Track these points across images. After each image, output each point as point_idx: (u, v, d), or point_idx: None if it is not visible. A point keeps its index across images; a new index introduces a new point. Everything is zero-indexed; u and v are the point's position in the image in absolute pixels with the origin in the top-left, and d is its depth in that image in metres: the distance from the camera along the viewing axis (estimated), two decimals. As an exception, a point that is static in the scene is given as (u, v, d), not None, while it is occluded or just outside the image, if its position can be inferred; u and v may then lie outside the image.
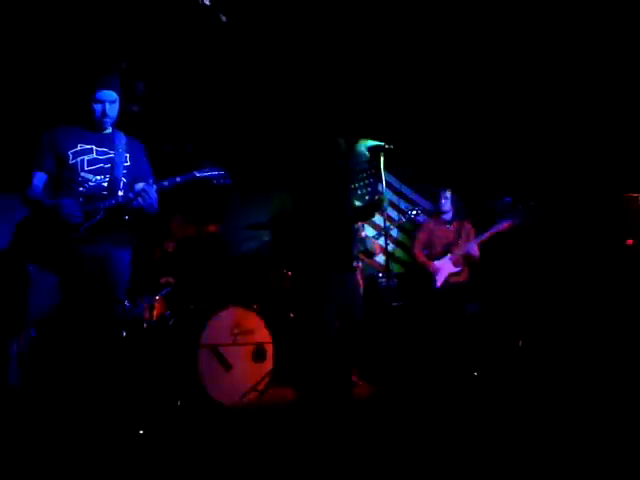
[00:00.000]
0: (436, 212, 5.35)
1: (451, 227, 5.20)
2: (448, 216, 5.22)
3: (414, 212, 5.18)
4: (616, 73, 5.20)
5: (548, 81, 5.46)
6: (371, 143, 3.67)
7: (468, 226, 5.23)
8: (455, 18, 5.02)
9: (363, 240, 4.88)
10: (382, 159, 3.70)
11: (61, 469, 2.54)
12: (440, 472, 2.49)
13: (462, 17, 4.99)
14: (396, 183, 6.44)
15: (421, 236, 5.27)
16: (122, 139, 3.17)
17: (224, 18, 3.45)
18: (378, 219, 5.54)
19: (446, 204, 5.18)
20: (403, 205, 6.49)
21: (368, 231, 5.37)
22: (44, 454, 2.67)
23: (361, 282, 4.67)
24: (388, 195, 6.02)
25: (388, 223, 5.16)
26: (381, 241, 5.22)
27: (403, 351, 4.93)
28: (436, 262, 5.08)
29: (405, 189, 6.52)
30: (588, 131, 5.50)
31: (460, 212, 5.26)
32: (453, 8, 4.89)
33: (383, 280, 5.66)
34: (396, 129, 5.26)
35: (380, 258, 5.88)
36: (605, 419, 3.19)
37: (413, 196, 6.58)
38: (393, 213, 6.43)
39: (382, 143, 3.71)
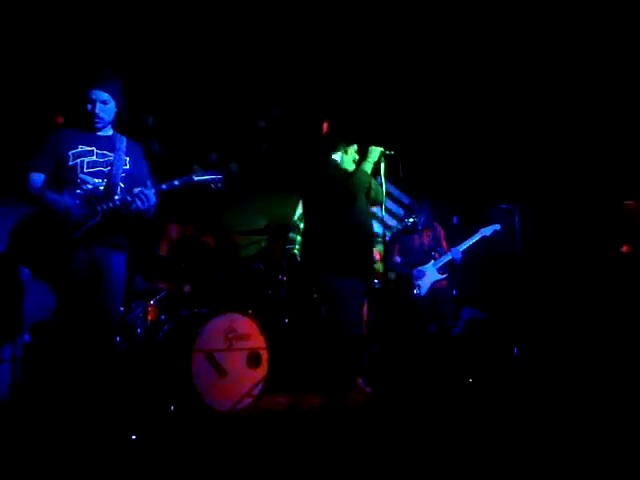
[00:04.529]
0: (406, 220, 5.29)
1: (423, 234, 5.16)
2: (419, 224, 5.17)
3: (411, 220, 5.15)
4: (613, 79, 5.21)
5: (545, 87, 5.48)
6: (376, 150, 3.67)
7: (439, 229, 5.19)
8: (452, 27, 5.05)
9: None
10: (382, 165, 3.69)
11: (54, 474, 2.51)
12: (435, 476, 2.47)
13: (459, 26, 5.03)
14: (395, 191, 6.42)
15: (396, 246, 5.22)
16: (123, 142, 3.17)
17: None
18: (377, 227, 5.52)
19: (421, 209, 5.16)
20: (402, 214, 6.47)
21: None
22: (37, 459, 2.65)
23: None
24: (387, 204, 6.00)
25: (387, 231, 5.15)
26: (379, 248, 5.19)
27: (396, 357, 4.89)
28: (419, 268, 5.02)
29: (404, 198, 6.50)
30: (585, 138, 5.51)
31: (429, 218, 5.21)
32: (447, 17, 4.93)
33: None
34: (395, 136, 5.27)
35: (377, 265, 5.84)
36: (601, 426, 3.17)
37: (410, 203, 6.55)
38: (393, 222, 6.43)
39: (382, 149, 3.70)
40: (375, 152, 3.66)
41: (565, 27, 4.96)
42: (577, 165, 5.54)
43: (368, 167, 3.65)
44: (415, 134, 5.95)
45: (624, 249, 4.84)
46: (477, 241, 4.97)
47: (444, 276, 4.99)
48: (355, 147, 3.78)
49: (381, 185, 3.70)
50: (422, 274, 4.98)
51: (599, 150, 5.45)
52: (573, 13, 4.80)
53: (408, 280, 5.02)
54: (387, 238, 5.40)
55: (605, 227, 5.21)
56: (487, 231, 4.95)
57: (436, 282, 4.98)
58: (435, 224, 5.21)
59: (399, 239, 5.27)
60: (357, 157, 3.77)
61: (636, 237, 4.88)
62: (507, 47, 5.26)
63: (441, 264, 4.99)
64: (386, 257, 5.16)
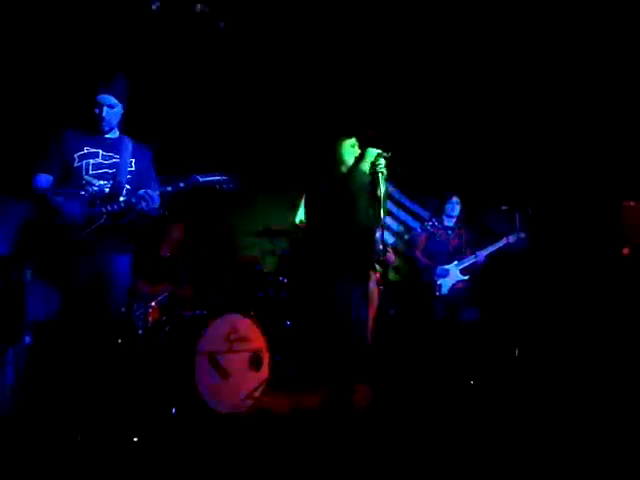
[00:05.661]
0: (437, 216, 5.31)
1: (452, 233, 5.18)
2: (451, 222, 5.20)
3: (429, 224, 5.14)
4: (614, 80, 5.22)
5: (547, 87, 5.48)
6: (373, 151, 3.67)
7: (468, 234, 5.21)
8: (455, 25, 5.05)
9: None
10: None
11: (56, 476, 2.52)
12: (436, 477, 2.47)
13: (462, 24, 5.03)
14: (395, 193, 6.42)
15: (421, 240, 5.24)
16: (129, 144, 3.19)
17: (222, 25, 3.46)
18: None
19: (453, 209, 5.17)
20: (402, 216, 6.47)
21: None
22: (39, 461, 2.65)
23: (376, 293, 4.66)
24: (388, 206, 5.98)
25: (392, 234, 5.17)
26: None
27: (400, 358, 4.90)
28: (443, 267, 5.05)
29: (405, 200, 6.50)
30: (586, 139, 5.51)
31: (462, 219, 5.23)
32: (450, 15, 4.93)
33: (380, 287, 5.60)
34: (395, 136, 5.27)
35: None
36: (602, 428, 3.17)
37: (412, 206, 6.55)
38: (393, 223, 6.42)
39: (379, 151, 3.70)
40: (372, 154, 3.66)
41: (565, 29, 4.97)
42: (577, 166, 5.54)
43: (365, 167, 3.66)
44: (416, 136, 5.95)
45: (625, 251, 4.83)
46: (501, 247, 5.00)
47: (466, 277, 5.03)
48: (354, 141, 3.78)
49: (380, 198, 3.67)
50: (446, 273, 5.02)
51: (599, 151, 5.45)
52: (575, 15, 4.81)
53: (429, 276, 5.05)
54: (416, 232, 5.43)
55: (605, 229, 5.21)
56: (512, 238, 4.97)
57: (458, 282, 5.02)
58: (464, 229, 5.24)
59: (426, 235, 5.26)
60: (358, 151, 3.77)
61: (637, 239, 4.87)
62: (509, 54, 5.27)
63: (465, 265, 5.03)
64: (409, 251, 5.24)
